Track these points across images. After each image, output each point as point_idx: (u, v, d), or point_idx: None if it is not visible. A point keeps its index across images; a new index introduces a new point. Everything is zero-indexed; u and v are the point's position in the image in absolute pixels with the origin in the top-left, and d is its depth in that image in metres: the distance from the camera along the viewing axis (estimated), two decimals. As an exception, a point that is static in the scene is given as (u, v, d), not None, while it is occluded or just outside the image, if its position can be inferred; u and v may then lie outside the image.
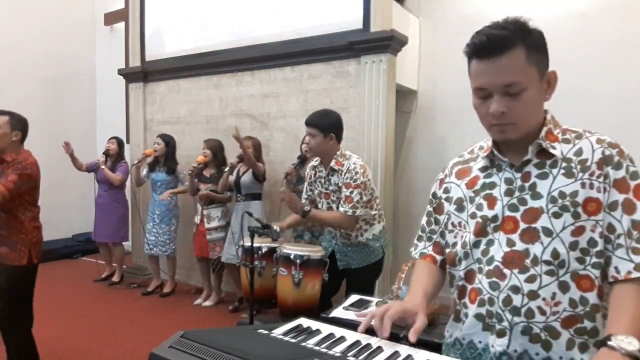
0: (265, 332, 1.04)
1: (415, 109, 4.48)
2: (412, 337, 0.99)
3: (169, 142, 4.61)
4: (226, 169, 4.09)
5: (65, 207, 6.25)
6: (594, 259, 1.02)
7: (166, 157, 4.60)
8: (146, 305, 4.44)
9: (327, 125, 2.61)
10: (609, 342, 0.91)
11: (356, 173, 2.60)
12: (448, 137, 4.28)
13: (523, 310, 1.03)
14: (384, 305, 1.08)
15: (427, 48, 4.37)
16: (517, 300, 1.03)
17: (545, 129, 1.08)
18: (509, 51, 0.99)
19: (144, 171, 4.72)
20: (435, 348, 1.01)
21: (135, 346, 3.48)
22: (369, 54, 3.80)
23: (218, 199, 4.26)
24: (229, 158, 4.29)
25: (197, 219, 4.38)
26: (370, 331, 1.06)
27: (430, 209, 1.28)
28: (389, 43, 3.70)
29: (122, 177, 4.90)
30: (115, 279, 5.15)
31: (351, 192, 2.59)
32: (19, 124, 2.61)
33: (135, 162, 4.67)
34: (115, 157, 4.97)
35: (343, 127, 2.74)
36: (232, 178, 4.14)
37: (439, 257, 1.25)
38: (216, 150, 4.31)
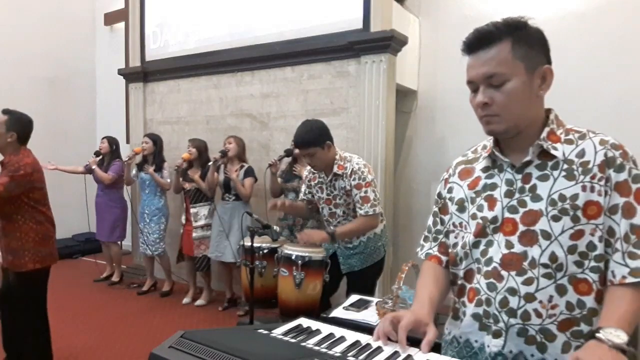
0: (265, 332, 1.04)
1: (415, 109, 4.47)
2: (424, 348, 0.98)
3: (156, 141, 4.65)
4: (210, 164, 4.06)
5: (65, 207, 6.21)
6: (593, 263, 1.01)
7: (154, 155, 4.63)
8: (145, 305, 4.44)
9: (319, 138, 2.56)
10: (597, 334, 0.91)
11: (362, 173, 2.60)
12: (448, 137, 4.28)
13: (519, 312, 1.03)
14: (395, 313, 1.08)
15: (427, 48, 4.36)
16: (513, 302, 1.03)
17: (547, 129, 1.07)
18: (493, 45, 1.02)
19: (133, 171, 4.73)
20: (435, 348, 1.01)
21: (135, 346, 3.48)
22: (369, 54, 3.80)
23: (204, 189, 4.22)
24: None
25: (183, 218, 4.43)
26: (370, 331, 1.06)
27: (436, 209, 1.27)
28: (389, 43, 3.70)
29: (113, 176, 4.87)
30: (114, 278, 5.16)
31: (365, 192, 2.58)
32: (16, 125, 2.50)
33: (126, 159, 4.69)
34: (109, 156, 4.97)
35: (327, 127, 2.68)
36: (221, 177, 4.14)
37: (444, 258, 1.24)
38: (201, 149, 4.34)
